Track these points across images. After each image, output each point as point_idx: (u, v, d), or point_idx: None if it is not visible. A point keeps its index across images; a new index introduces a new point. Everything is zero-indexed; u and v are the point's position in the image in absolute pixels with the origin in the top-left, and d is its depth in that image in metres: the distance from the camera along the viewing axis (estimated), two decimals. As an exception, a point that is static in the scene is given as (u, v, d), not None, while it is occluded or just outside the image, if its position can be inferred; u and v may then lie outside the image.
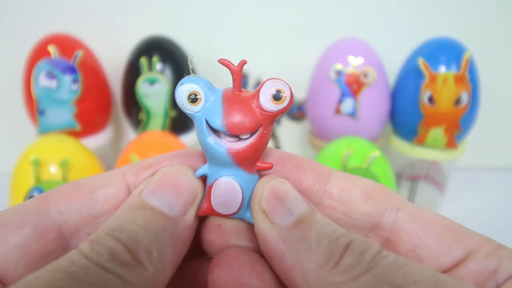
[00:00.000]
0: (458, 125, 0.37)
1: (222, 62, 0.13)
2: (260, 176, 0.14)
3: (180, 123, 0.42)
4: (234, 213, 0.14)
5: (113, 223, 0.12)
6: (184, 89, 0.13)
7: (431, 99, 0.37)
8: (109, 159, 0.45)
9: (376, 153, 0.33)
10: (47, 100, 0.38)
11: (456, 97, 0.36)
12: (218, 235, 0.14)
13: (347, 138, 0.36)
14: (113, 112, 0.46)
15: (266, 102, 0.13)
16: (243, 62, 0.13)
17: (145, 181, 0.14)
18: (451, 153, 0.39)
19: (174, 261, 0.13)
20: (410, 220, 0.14)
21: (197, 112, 0.14)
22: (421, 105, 0.37)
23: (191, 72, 0.14)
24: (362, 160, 0.33)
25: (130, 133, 0.44)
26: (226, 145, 0.13)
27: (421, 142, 0.39)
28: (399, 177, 0.44)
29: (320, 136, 0.43)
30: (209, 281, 0.13)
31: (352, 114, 0.39)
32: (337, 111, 0.40)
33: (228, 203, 0.14)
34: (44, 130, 0.39)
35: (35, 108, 0.38)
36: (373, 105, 0.40)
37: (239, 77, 0.14)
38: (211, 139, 0.13)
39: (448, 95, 0.36)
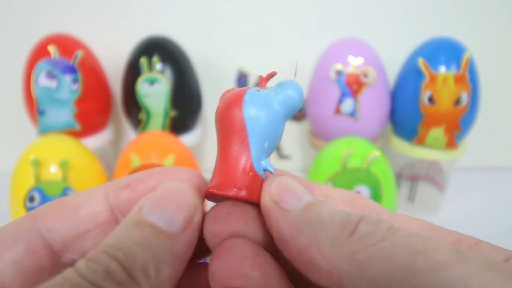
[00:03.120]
0: (458, 125, 0.37)
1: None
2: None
3: (180, 123, 0.42)
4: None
5: (111, 239, 0.12)
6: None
7: (431, 99, 0.37)
8: (109, 159, 0.45)
9: (376, 153, 0.33)
10: (47, 100, 0.38)
11: (456, 97, 0.36)
12: (226, 224, 0.14)
13: (347, 138, 0.36)
14: (113, 112, 0.46)
15: None
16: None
17: (145, 197, 0.14)
18: (451, 153, 0.39)
19: (172, 278, 0.13)
20: (389, 220, 0.14)
21: None
22: (421, 105, 0.37)
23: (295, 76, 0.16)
24: (362, 160, 0.33)
25: (130, 133, 0.44)
26: None
27: (421, 142, 0.39)
28: (399, 177, 0.44)
29: (320, 136, 0.43)
30: (209, 269, 0.13)
31: (352, 114, 0.39)
32: (337, 111, 0.40)
33: None
34: (44, 130, 0.39)
35: (35, 108, 0.38)
36: (373, 105, 0.40)
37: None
38: None
39: (448, 95, 0.36)
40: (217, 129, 0.15)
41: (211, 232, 0.15)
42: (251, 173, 0.14)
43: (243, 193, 0.14)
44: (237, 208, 0.15)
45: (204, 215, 0.15)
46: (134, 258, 0.12)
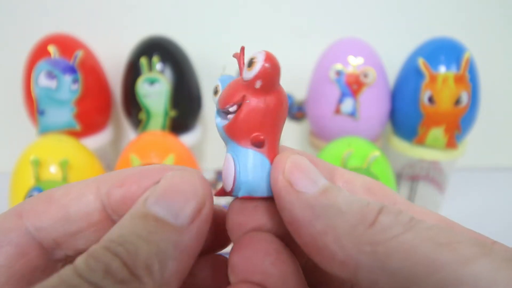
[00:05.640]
0: (458, 125, 0.37)
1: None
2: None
3: (180, 123, 0.42)
4: (232, 189, 0.14)
5: (114, 234, 0.12)
6: (214, 86, 0.15)
7: (431, 99, 0.37)
8: (109, 159, 0.45)
9: (376, 153, 0.33)
10: (47, 100, 0.38)
11: (456, 97, 0.36)
12: (252, 216, 0.14)
13: (347, 138, 0.36)
14: (113, 112, 0.46)
15: (244, 72, 0.14)
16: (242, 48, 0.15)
17: (151, 188, 0.13)
18: (451, 153, 0.39)
19: (178, 274, 0.12)
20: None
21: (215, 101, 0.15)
22: (421, 105, 0.37)
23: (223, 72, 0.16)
24: (362, 160, 0.33)
25: (130, 133, 0.44)
26: (223, 123, 0.14)
27: (421, 142, 0.39)
28: (399, 177, 0.44)
29: (320, 136, 0.43)
30: (230, 261, 0.13)
31: (352, 114, 0.39)
32: (337, 111, 0.40)
33: (226, 179, 0.14)
34: (44, 130, 0.39)
35: (35, 108, 0.38)
36: (373, 105, 0.40)
37: (241, 63, 0.14)
38: (218, 119, 0.15)
39: (448, 95, 0.36)
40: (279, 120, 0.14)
41: (235, 223, 0.14)
42: None
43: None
44: (263, 201, 0.14)
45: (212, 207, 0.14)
46: (137, 254, 0.11)
